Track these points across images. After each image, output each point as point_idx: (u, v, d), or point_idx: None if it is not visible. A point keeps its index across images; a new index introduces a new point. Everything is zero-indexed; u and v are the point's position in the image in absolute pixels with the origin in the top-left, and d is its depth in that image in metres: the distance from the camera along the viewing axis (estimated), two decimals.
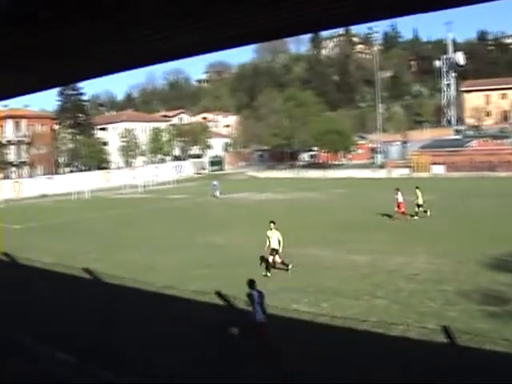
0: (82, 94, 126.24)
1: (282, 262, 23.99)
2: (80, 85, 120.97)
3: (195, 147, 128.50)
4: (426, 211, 37.33)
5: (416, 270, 22.61)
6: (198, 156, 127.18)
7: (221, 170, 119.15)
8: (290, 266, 23.61)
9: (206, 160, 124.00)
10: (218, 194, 62.17)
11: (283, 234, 24.50)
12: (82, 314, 17.26)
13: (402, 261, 24.53)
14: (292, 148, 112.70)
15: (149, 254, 28.93)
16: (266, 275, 23.09)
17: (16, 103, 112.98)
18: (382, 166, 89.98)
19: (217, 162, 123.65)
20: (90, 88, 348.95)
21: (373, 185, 65.51)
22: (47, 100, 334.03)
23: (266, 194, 61.49)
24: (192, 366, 13.37)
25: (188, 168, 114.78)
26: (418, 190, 37.48)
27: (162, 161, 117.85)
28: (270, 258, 23.97)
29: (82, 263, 18.19)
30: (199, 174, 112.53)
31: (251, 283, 14.26)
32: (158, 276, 22.41)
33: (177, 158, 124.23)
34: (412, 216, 37.16)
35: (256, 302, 13.59)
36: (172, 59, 14.81)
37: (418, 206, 37.65)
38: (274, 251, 24.11)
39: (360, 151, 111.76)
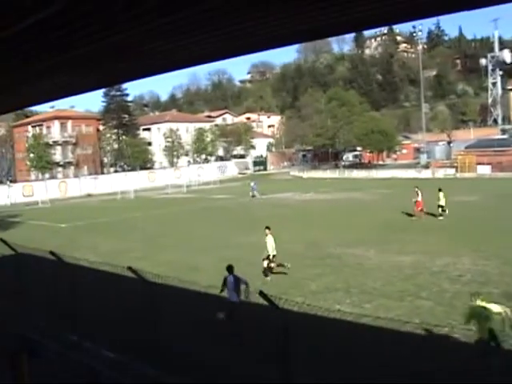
0: (126, 94, 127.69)
1: (279, 265, 23.69)
2: (124, 86, 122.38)
3: (239, 147, 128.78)
4: (442, 213, 37.69)
5: (460, 272, 22.32)
6: (242, 156, 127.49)
7: (264, 170, 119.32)
8: (287, 265, 23.45)
9: (249, 160, 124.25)
10: (256, 194, 62.91)
11: (327, 233, 24.39)
12: (127, 313, 17.46)
13: (446, 262, 24.23)
14: (335, 148, 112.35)
15: (192, 254, 29.05)
16: (266, 277, 23.09)
17: (62, 104, 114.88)
18: (426, 166, 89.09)
19: (260, 162, 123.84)
20: (134, 89, 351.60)
21: (417, 185, 64.80)
22: (92, 101, 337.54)
23: (310, 194, 61.34)
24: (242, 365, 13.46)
25: (231, 168, 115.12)
26: (440, 193, 38.03)
27: (206, 161, 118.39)
28: (265, 263, 23.75)
29: (127, 262, 18.36)
30: (243, 174, 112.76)
31: (229, 268, 15.90)
32: (201, 275, 22.51)
33: (220, 159, 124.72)
34: (437, 215, 37.57)
35: (231, 287, 15.54)
36: (217, 59, 14.86)
37: (440, 206, 37.81)
38: (269, 256, 23.86)
39: (404, 151, 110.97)
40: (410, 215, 37.98)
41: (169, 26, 8.63)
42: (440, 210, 37.75)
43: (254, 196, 62.87)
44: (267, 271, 23.49)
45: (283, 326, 10.17)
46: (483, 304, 12.13)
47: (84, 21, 8.03)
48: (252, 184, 65.41)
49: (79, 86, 16.27)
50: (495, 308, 11.98)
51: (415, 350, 12.96)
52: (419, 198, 37.99)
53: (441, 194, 37.96)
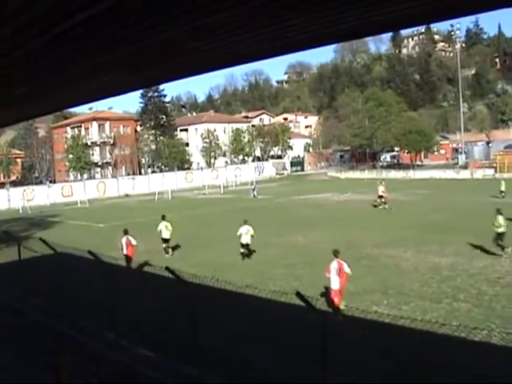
0: (163, 95, 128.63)
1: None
2: (161, 86, 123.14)
3: (276, 148, 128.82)
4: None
5: (499, 274, 22.08)
6: (279, 157, 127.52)
7: (301, 170, 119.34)
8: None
9: (286, 161, 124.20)
10: (256, 194, 67.29)
11: (364, 233, 24.29)
12: (165, 312, 17.62)
13: (484, 264, 24.00)
14: (373, 148, 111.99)
15: (229, 253, 29.11)
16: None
17: (100, 106, 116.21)
18: (464, 167, 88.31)
19: (297, 163, 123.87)
20: (172, 90, 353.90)
21: (455, 186, 64.34)
22: (130, 102, 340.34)
23: (347, 195, 61.21)
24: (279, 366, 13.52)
25: (269, 169, 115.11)
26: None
27: (243, 161, 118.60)
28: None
29: (164, 262, 18.48)
30: (280, 174, 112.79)
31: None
32: (238, 275, 22.58)
33: (258, 159, 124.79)
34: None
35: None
36: (255, 60, 14.93)
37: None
38: (246, 245, 27.64)
39: (442, 151, 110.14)
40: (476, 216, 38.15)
41: (216, 23, 8.69)
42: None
43: (254, 196, 66.59)
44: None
45: (321, 327, 10.19)
46: None
47: (136, 16, 8.11)
48: (254, 185, 70.33)
49: (123, 86, 16.38)
50: None
51: (451, 353, 12.90)
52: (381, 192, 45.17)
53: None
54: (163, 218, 30.57)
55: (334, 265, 17.42)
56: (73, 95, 17.33)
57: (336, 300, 17.32)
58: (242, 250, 27.74)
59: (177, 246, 31.64)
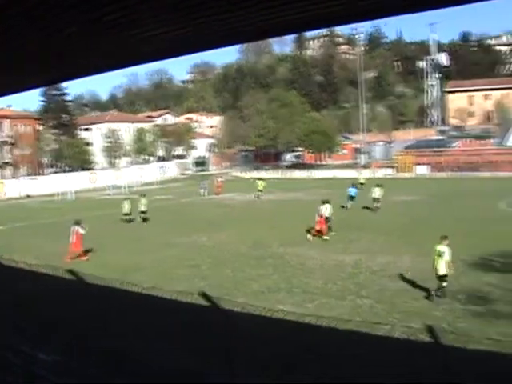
0: (65, 94, 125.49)
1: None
2: (63, 85, 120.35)
3: (179, 148, 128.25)
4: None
5: (400, 270, 22.69)
6: (183, 157, 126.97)
7: (205, 170, 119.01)
8: None
9: (190, 161, 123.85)
10: (205, 193, 64.83)
11: (270, 233, 24.47)
12: (66, 314, 17.22)
13: (387, 260, 24.63)
14: (277, 148, 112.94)
15: (136, 255, 28.80)
16: None
17: None
18: (366, 166, 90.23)
19: (201, 163, 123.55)
20: (74, 88, 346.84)
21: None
22: (29, 100, 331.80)
23: (252, 195, 61.50)
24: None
25: (172, 169, 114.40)
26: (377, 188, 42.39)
27: (147, 161, 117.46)
28: None
29: (68, 264, 18.13)
30: (184, 174, 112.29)
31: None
32: (145, 276, 22.34)
33: (161, 159, 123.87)
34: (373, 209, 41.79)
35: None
36: (158, 59, 14.76)
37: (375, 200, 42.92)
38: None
39: (344, 151, 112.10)
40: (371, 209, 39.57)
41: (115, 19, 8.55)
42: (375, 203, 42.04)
43: (203, 195, 64.46)
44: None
45: (226, 327, 10.17)
46: (440, 246, 18.75)
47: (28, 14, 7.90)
48: (203, 183, 67.49)
49: (21, 85, 15.96)
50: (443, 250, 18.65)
51: (356, 349, 13.12)
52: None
53: (376, 189, 42.16)
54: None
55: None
56: None
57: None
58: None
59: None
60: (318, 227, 31.76)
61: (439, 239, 19.14)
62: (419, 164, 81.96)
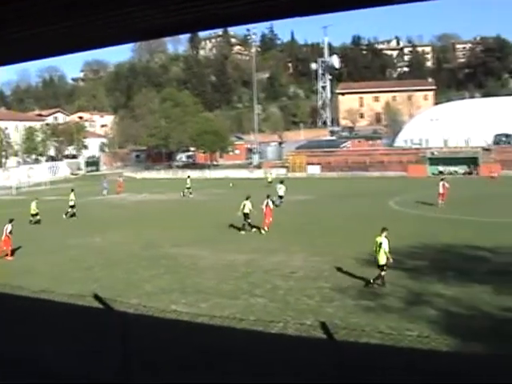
0: None
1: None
2: None
3: (71, 147, 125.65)
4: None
5: (292, 268, 22.94)
6: (74, 156, 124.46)
7: (97, 170, 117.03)
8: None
9: (81, 160, 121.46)
10: (105, 193, 63.86)
11: (162, 234, 24.27)
12: None
13: (279, 259, 24.85)
14: (169, 148, 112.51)
15: (26, 257, 27.92)
16: None
17: None
18: (258, 167, 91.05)
19: (93, 163, 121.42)
20: None
21: (250, 185, 65.95)
22: None
23: (144, 195, 60.96)
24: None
25: (63, 169, 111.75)
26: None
27: (37, 161, 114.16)
28: None
29: None
30: (75, 174, 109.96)
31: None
32: (34, 280, 21.60)
33: (52, 159, 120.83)
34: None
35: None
36: (48, 56, 14.25)
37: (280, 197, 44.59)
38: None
39: (237, 151, 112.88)
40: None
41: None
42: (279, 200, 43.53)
43: (105, 195, 63.46)
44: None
45: (121, 328, 9.96)
46: (379, 238, 19.66)
47: None
48: (104, 182, 65.93)
49: None
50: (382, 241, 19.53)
51: (250, 347, 13.12)
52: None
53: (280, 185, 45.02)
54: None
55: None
56: None
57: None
58: None
59: None
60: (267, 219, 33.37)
61: (380, 231, 20.05)
62: (311, 164, 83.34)
